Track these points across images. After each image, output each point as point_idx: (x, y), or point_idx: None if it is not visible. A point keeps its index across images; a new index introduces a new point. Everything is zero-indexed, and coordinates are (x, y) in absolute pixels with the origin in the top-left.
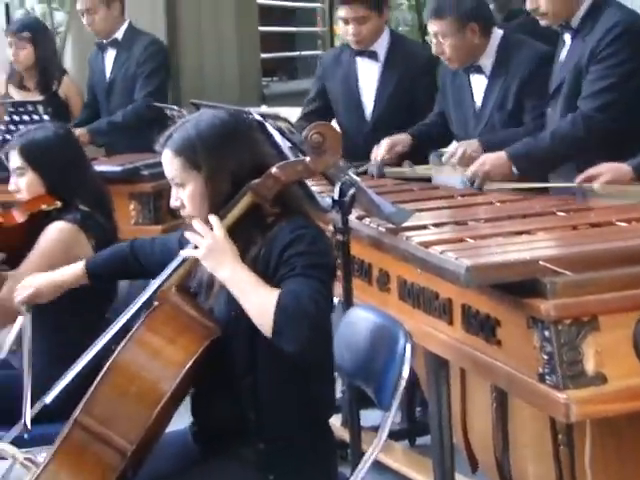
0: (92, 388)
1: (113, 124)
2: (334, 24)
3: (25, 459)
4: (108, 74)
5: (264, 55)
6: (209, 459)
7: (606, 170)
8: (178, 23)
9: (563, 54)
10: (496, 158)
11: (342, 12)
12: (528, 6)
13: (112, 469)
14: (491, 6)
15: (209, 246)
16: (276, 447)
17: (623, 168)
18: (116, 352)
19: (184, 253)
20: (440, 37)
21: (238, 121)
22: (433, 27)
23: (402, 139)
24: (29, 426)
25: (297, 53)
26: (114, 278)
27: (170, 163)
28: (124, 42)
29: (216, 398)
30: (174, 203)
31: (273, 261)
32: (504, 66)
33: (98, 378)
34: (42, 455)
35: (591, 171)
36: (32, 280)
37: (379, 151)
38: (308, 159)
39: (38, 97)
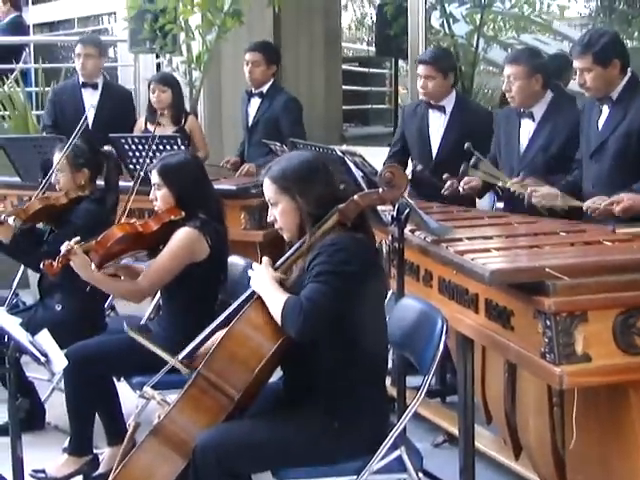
0: (212, 349)
1: None
2: (398, 85)
3: (161, 400)
4: (252, 117)
5: (345, 107)
6: (292, 403)
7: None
8: (281, 83)
9: (601, 120)
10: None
11: (418, 70)
12: (577, 81)
13: (223, 410)
14: None
15: (252, 276)
16: (340, 402)
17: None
18: (230, 325)
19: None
20: (512, 78)
21: (320, 161)
22: (507, 70)
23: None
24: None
25: (369, 106)
26: None
27: (267, 188)
28: (268, 95)
29: (295, 361)
30: (269, 219)
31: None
32: (554, 116)
33: (216, 343)
34: (170, 397)
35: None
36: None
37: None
38: (381, 190)
39: (171, 131)
